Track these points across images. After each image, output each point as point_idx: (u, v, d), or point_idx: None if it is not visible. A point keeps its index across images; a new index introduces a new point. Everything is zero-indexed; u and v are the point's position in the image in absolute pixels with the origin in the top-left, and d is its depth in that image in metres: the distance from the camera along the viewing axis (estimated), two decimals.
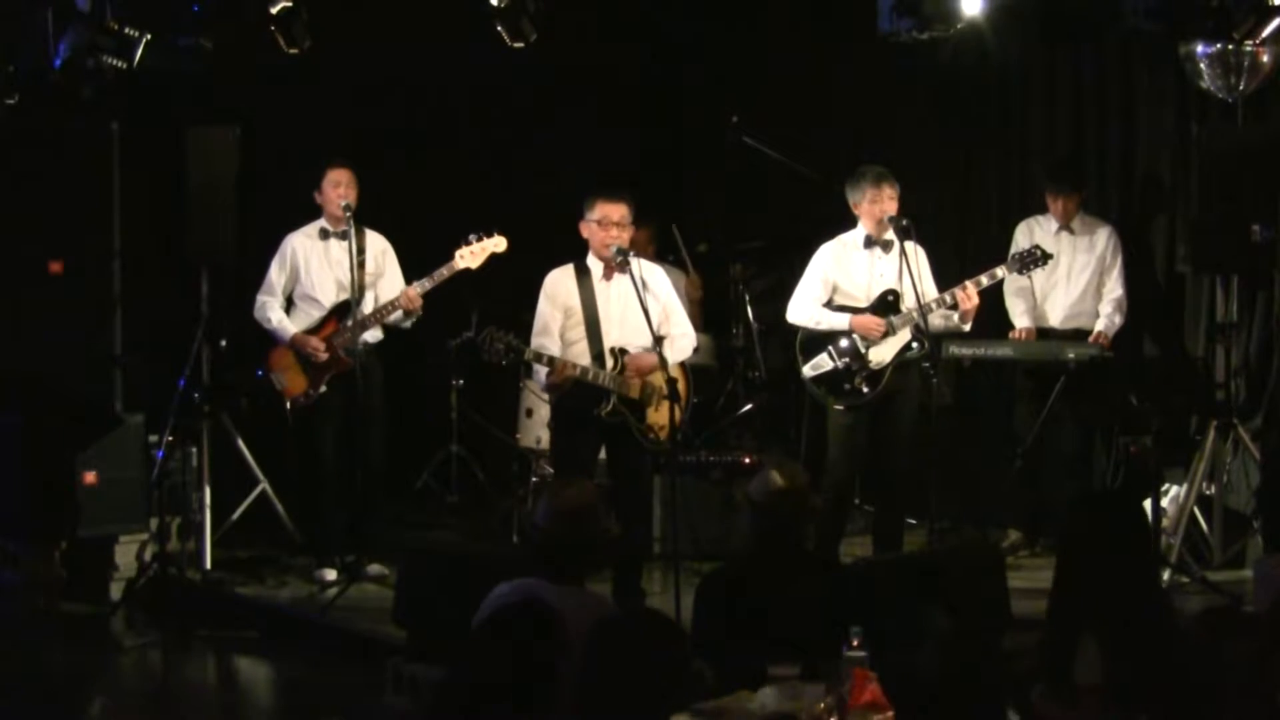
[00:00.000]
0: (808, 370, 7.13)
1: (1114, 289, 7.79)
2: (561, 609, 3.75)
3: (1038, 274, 7.80)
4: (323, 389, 7.49)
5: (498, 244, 7.41)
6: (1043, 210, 7.91)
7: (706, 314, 9.14)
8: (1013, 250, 7.66)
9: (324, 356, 7.46)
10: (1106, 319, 7.74)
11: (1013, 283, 7.86)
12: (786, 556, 5.03)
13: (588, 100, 9.42)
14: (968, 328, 7.18)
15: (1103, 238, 7.82)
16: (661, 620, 3.79)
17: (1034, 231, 7.83)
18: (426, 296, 7.49)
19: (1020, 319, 7.90)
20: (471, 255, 7.40)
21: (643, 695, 3.49)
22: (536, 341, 6.65)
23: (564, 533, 4.54)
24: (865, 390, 7.02)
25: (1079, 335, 7.76)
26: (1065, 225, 7.79)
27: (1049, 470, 7.83)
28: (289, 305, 7.64)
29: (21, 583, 7.64)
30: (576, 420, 6.72)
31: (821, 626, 4.62)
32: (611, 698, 3.48)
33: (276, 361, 7.55)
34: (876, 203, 7.04)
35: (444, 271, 7.43)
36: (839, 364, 7.06)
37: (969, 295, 6.98)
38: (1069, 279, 7.83)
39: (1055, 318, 7.87)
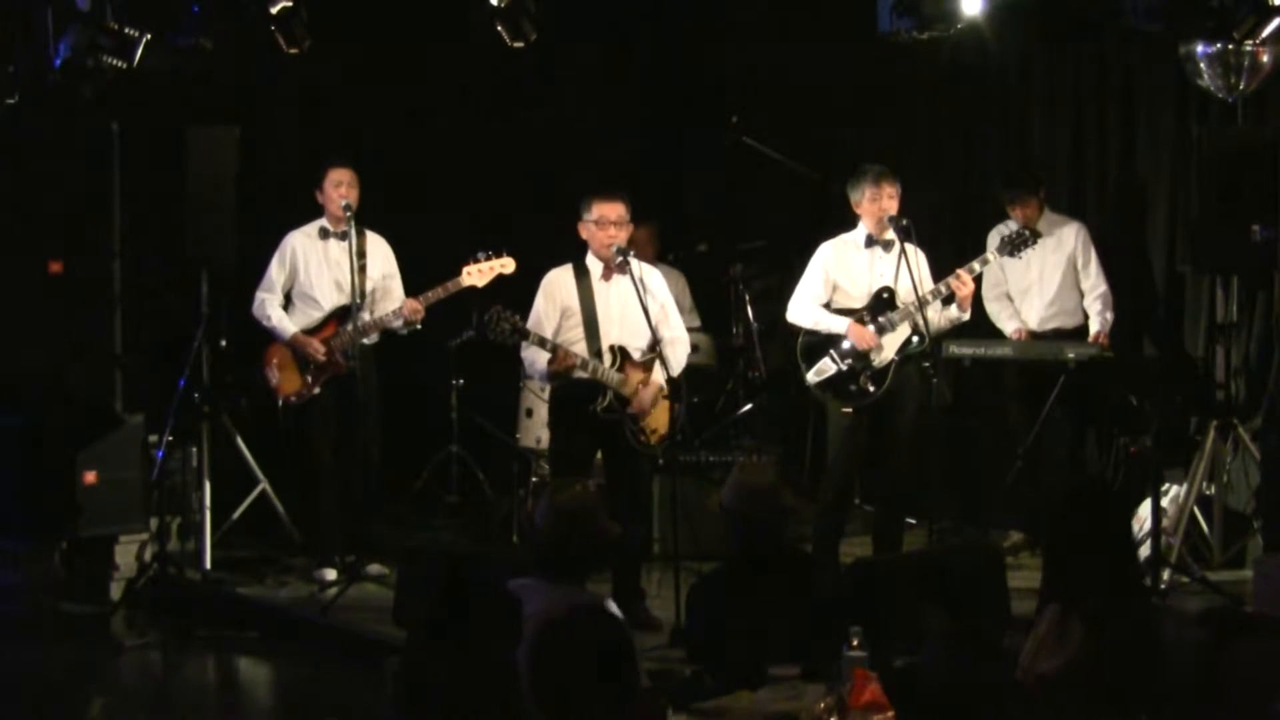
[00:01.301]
0: (811, 376, 7.12)
1: (1097, 285, 7.81)
2: (559, 610, 3.75)
3: (1012, 279, 7.82)
4: (316, 390, 7.50)
5: (505, 265, 7.41)
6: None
7: (707, 315, 9.15)
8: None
9: (323, 358, 7.46)
10: (1099, 317, 7.75)
11: (990, 290, 7.89)
12: (770, 556, 5.03)
13: (588, 100, 9.42)
14: (967, 315, 7.17)
15: (1070, 235, 7.83)
16: (604, 618, 3.78)
17: (1004, 235, 7.83)
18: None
19: (1009, 323, 7.92)
20: (479, 274, 7.40)
21: (586, 694, 3.48)
22: (532, 337, 6.66)
23: (563, 533, 4.54)
24: (871, 389, 7.02)
25: (1058, 336, 7.78)
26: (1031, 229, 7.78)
27: (1046, 470, 7.83)
28: (287, 304, 7.64)
29: (21, 583, 7.63)
30: (574, 419, 6.73)
31: (816, 625, 4.63)
32: (558, 697, 3.47)
33: (273, 358, 7.56)
34: (876, 201, 7.04)
35: (449, 286, 7.43)
36: (842, 366, 7.05)
37: (964, 282, 6.98)
38: (1041, 281, 7.85)
39: (1032, 321, 7.89)
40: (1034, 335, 7.89)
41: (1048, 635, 4.16)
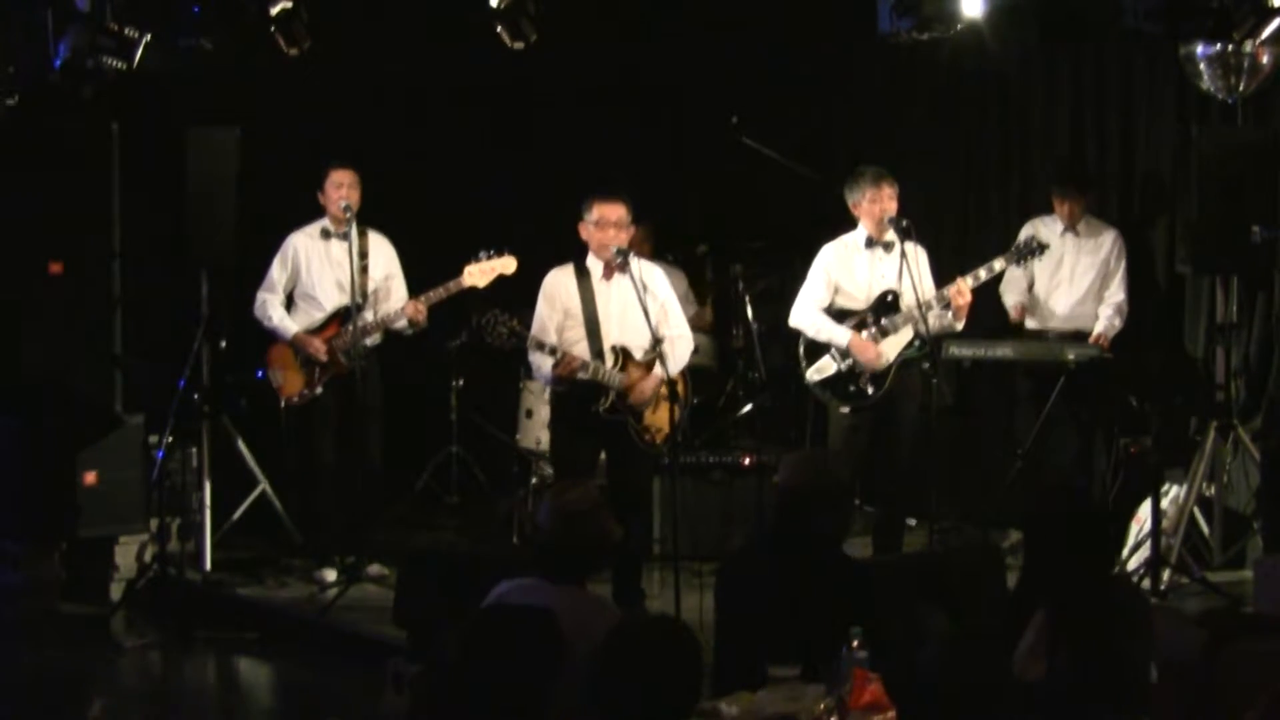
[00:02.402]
0: (812, 374, 7.12)
1: (1116, 293, 7.82)
2: (560, 610, 3.75)
3: (1040, 274, 7.82)
4: (319, 390, 7.49)
5: (507, 264, 7.40)
6: (1043, 209, 7.94)
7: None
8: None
9: (325, 357, 7.46)
10: (1106, 321, 7.75)
11: (1008, 275, 7.87)
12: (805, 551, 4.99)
13: (588, 100, 9.41)
14: (960, 325, 7.19)
15: (1108, 241, 7.84)
16: (678, 627, 3.78)
17: (1039, 231, 7.84)
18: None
19: (1010, 296, 7.92)
20: (480, 274, 7.39)
21: (659, 702, 3.48)
22: (534, 342, 6.66)
23: (566, 534, 4.53)
24: (870, 391, 7.02)
25: (1079, 336, 7.77)
26: (1070, 227, 7.81)
27: (1048, 471, 7.83)
28: (289, 304, 7.64)
29: (21, 584, 7.63)
30: (576, 420, 6.73)
31: (830, 627, 4.63)
32: (627, 704, 3.47)
33: (275, 359, 7.55)
34: (876, 203, 7.03)
35: (450, 286, 7.43)
36: (842, 366, 7.06)
37: (960, 291, 6.99)
38: (1072, 280, 7.84)
39: (1057, 318, 7.89)
40: (1054, 332, 7.86)
41: (1038, 642, 4.17)
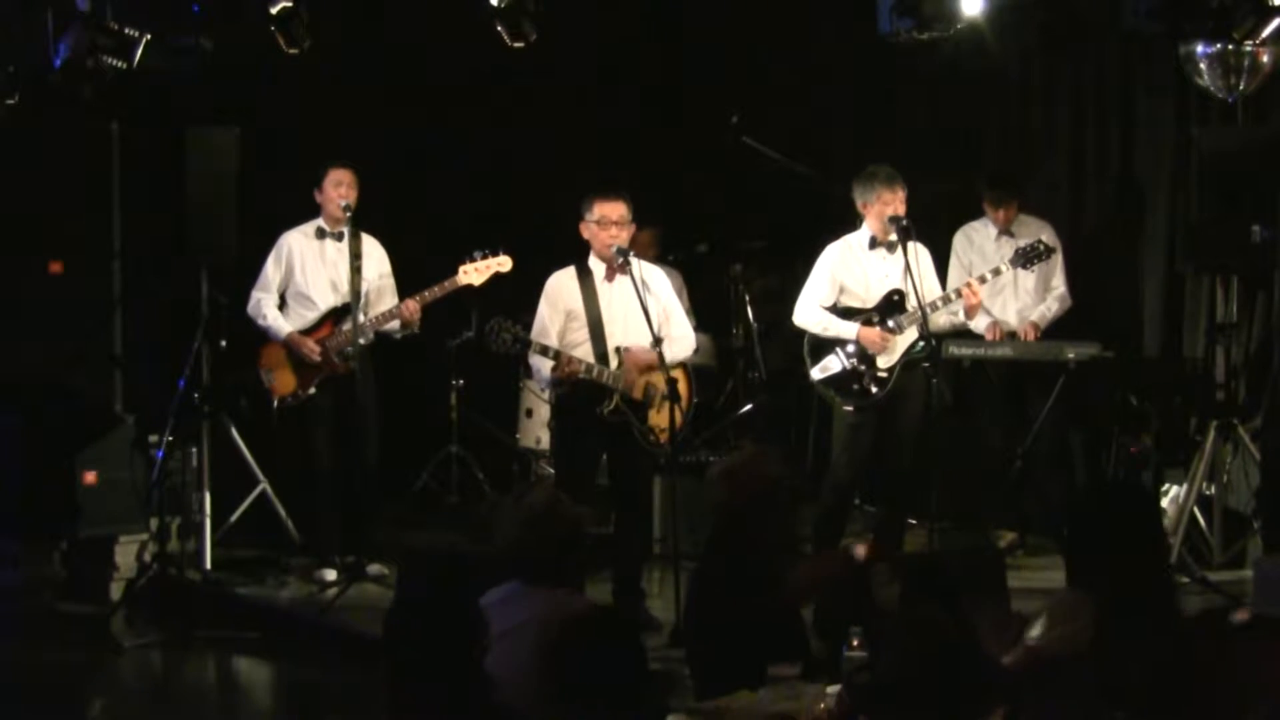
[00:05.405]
0: (816, 373, 7.12)
1: (1057, 284, 7.86)
2: (540, 613, 3.76)
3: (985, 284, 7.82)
4: (312, 390, 7.49)
5: (502, 263, 7.40)
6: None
7: (707, 315, 9.13)
8: (954, 257, 7.84)
9: (318, 358, 7.45)
10: (1044, 307, 7.79)
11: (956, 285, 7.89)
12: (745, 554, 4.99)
13: (588, 100, 9.42)
14: (972, 324, 7.21)
15: (1043, 237, 7.83)
16: (620, 621, 3.78)
17: (973, 238, 7.89)
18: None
19: (980, 319, 7.91)
20: (476, 272, 7.39)
21: (606, 695, 3.50)
22: (535, 345, 6.65)
23: (531, 538, 4.49)
24: (874, 391, 7.02)
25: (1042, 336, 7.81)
26: (1005, 230, 7.81)
27: (1044, 471, 7.85)
28: (282, 304, 7.63)
29: (21, 583, 7.63)
30: (578, 420, 6.72)
31: (818, 625, 4.63)
32: (578, 697, 3.49)
33: (268, 359, 7.55)
34: (889, 205, 7.02)
35: (446, 286, 7.42)
36: (847, 365, 7.06)
37: (974, 292, 7.02)
38: (1016, 282, 7.85)
39: (1011, 320, 7.88)
40: (1011, 334, 7.90)
41: (1054, 609, 4.18)
